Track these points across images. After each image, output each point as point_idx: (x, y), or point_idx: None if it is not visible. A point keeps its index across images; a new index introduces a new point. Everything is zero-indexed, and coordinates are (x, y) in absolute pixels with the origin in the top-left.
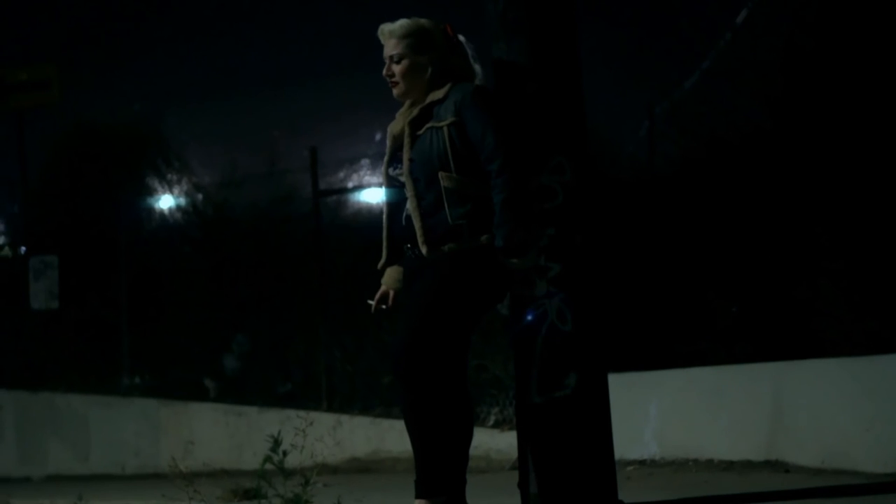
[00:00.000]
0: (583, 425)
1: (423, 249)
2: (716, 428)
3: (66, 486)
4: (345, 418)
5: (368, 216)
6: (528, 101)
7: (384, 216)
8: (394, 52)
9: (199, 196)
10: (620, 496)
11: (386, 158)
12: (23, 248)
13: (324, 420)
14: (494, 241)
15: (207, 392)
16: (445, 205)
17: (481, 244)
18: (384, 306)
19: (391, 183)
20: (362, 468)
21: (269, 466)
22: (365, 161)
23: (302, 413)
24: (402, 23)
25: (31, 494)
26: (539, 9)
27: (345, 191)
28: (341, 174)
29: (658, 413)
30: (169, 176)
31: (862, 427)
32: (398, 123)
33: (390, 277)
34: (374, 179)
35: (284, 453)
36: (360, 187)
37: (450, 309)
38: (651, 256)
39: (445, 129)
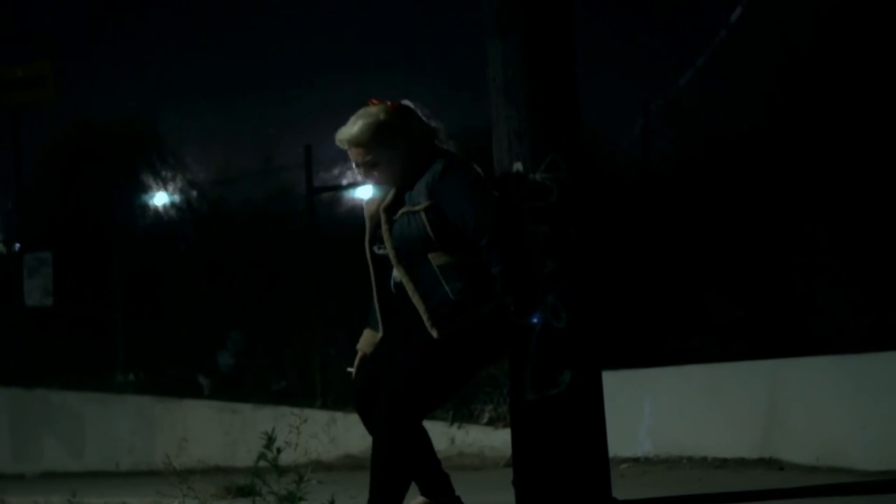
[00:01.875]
0: (577, 422)
1: (434, 333)
2: (710, 425)
3: (61, 483)
4: (339, 415)
5: (363, 213)
6: (523, 99)
7: (372, 280)
8: (366, 160)
9: (194, 193)
10: (614, 493)
11: (367, 236)
12: (17, 245)
13: (318, 417)
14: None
15: (202, 389)
16: (443, 282)
17: (488, 311)
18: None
19: (376, 259)
20: (356, 465)
21: (263, 464)
22: None
23: (296, 410)
24: (360, 126)
25: (25, 491)
26: (534, 6)
27: (339, 188)
28: (336, 171)
29: (652, 410)
30: (164, 173)
31: (857, 425)
32: (373, 203)
33: (367, 341)
34: None
35: (278, 450)
36: (354, 184)
37: (450, 369)
38: (646, 254)
39: (423, 213)
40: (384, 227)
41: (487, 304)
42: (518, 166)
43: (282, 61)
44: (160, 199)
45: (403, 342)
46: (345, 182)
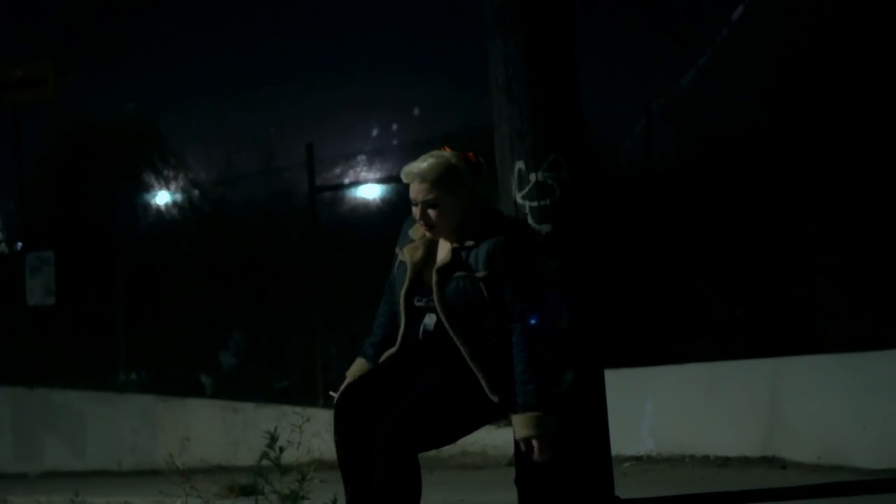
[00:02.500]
0: (579, 421)
1: (494, 398)
2: (712, 424)
3: (63, 483)
4: None
5: (365, 212)
6: (525, 98)
7: (401, 325)
8: (427, 198)
9: (196, 192)
10: (617, 492)
11: (406, 285)
12: (19, 245)
13: (320, 416)
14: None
15: (204, 388)
16: (495, 350)
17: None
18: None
19: (410, 307)
20: None
21: (265, 463)
22: (361, 157)
23: (298, 409)
24: (430, 164)
25: (27, 491)
26: (535, 4)
27: (341, 187)
28: (337, 170)
29: (654, 409)
30: (165, 173)
31: (858, 423)
32: (418, 250)
33: (358, 369)
34: (371, 175)
35: (281, 449)
36: (356, 183)
37: (464, 412)
38: (647, 253)
39: (481, 282)
40: (436, 287)
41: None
42: (520, 165)
43: (283, 61)
44: (162, 198)
45: (413, 380)
46: (347, 181)
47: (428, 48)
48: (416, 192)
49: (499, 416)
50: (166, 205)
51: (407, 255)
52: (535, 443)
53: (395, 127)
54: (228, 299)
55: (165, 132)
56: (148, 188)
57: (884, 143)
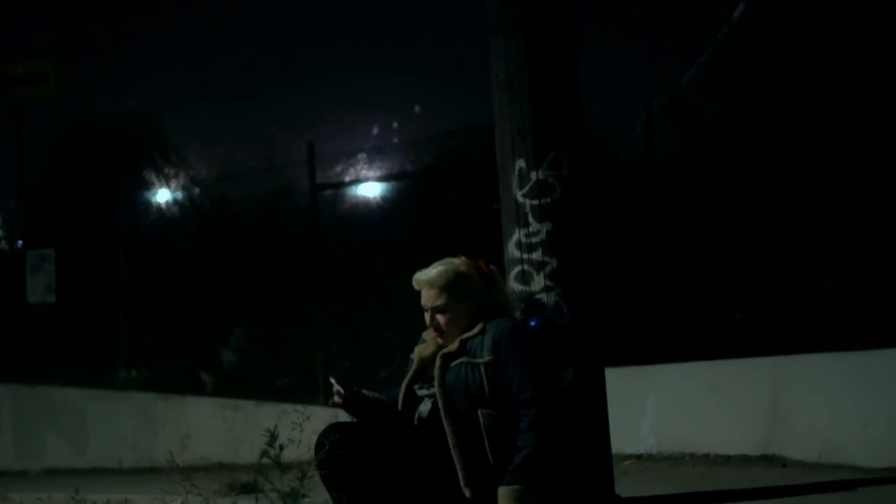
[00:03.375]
0: (580, 419)
1: (467, 492)
2: (713, 422)
3: (64, 480)
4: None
5: (366, 210)
6: (526, 96)
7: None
8: (436, 304)
9: (197, 190)
10: (617, 490)
11: (409, 376)
12: (20, 242)
13: (321, 414)
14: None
15: (204, 386)
16: (486, 444)
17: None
18: (336, 392)
19: (410, 395)
20: None
21: (266, 460)
22: (362, 155)
23: (299, 407)
24: (439, 272)
25: (28, 488)
26: (537, 2)
27: (342, 185)
28: (338, 168)
29: (655, 407)
30: (166, 170)
31: (859, 422)
32: (427, 347)
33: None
34: (372, 174)
35: (281, 447)
36: (357, 181)
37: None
38: (649, 251)
39: (483, 367)
40: (437, 372)
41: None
42: (521, 164)
43: (284, 59)
44: (163, 195)
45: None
46: (348, 179)
47: (428, 46)
48: (426, 298)
49: None
50: (167, 202)
51: (416, 351)
52: None
53: (395, 125)
54: (229, 297)
55: (166, 129)
56: (149, 185)
57: (886, 140)
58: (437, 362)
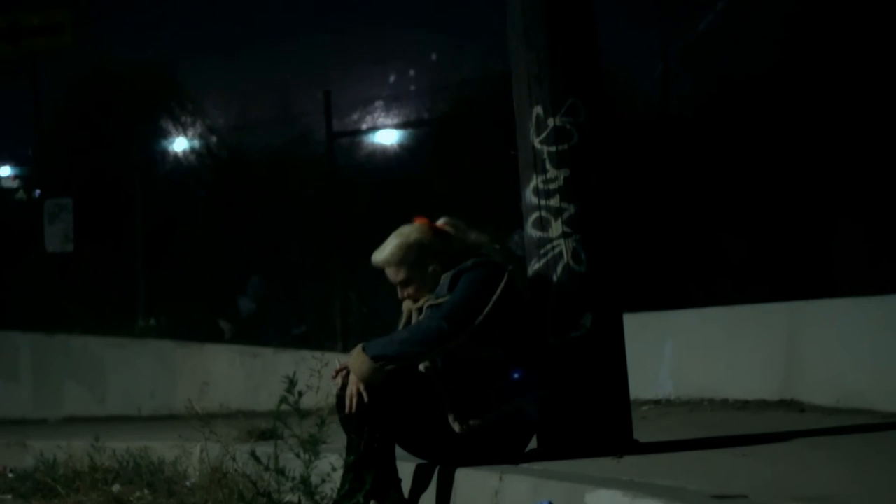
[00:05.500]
0: (598, 365)
1: (456, 427)
2: (731, 367)
3: (83, 428)
4: None
5: (382, 158)
6: (543, 44)
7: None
8: (398, 279)
9: (214, 139)
10: (636, 435)
11: (402, 324)
12: (37, 192)
13: (339, 361)
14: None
15: (223, 334)
16: (465, 377)
17: (510, 411)
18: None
19: None
20: None
21: (284, 407)
22: (378, 103)
23: (317, 354)
24: (391, 249)
25: (47, 436)
26: None
27: (359, 132)
28: (355, 116)
29: (673, 353)
30: (183, 119)
31: (878, 367)
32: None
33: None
34: (388, 121)
35: (300, 394)
36: (374, 128)
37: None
38: (665, 197)
39: (443, 303)
40: (416, 313)
41: (512, 402)
42: (538, 110)
43: (301, 8)
44: (179, 144)
45: None
46: (364, 126)
47: None
48: (389, 275)
49: (461, 450)
50: (184, 151)
51: (405, 304)
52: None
53: (412, 73)
54: (246, 245)
55: (183, 79)
56: (166, 134)
57: None
58: (414, 315)
